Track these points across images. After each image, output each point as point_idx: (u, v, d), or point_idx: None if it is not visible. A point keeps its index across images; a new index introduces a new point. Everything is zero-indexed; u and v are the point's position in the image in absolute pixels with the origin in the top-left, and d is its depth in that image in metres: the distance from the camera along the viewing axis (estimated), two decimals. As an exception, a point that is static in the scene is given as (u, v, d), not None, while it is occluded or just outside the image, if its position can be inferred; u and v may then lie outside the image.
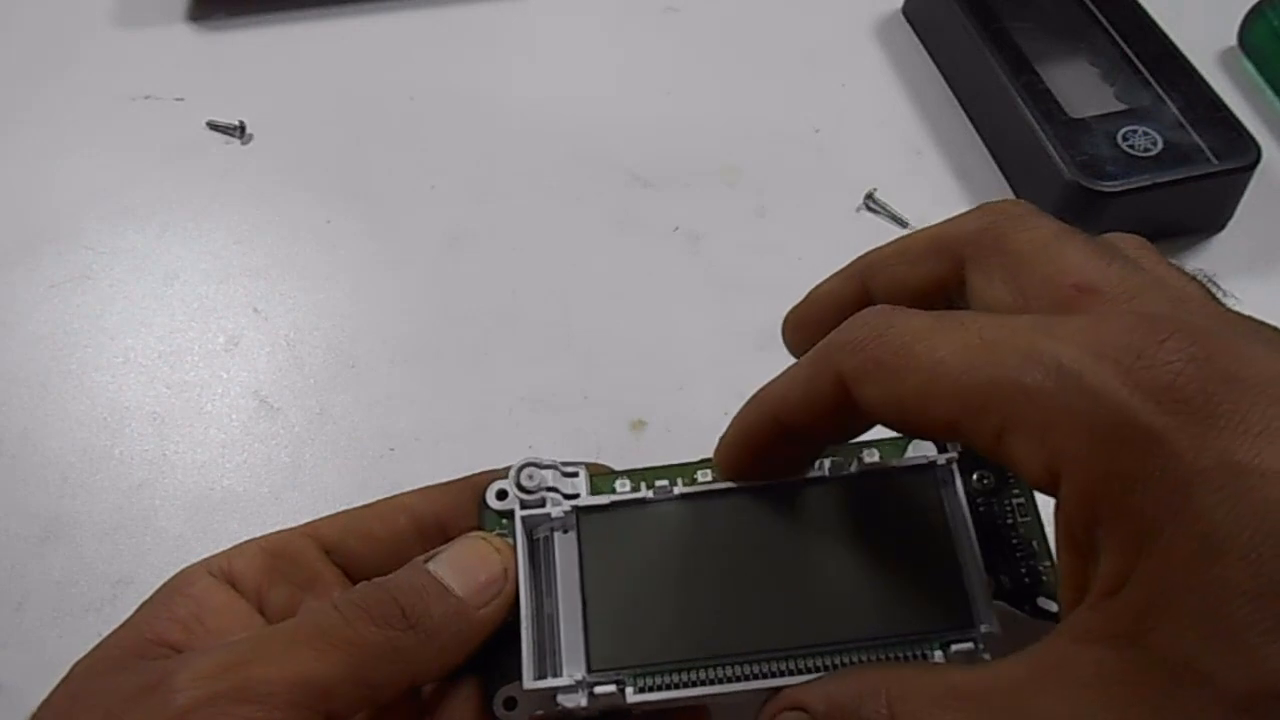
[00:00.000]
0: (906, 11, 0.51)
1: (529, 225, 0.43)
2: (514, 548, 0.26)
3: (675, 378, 0.38)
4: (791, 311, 0.29)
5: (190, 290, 0.42)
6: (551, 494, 0.27)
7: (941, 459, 0.26)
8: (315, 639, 0.23)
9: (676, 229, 0.43)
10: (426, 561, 0.25)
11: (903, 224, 0.42)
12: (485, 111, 0.48)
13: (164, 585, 0.27)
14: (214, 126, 0.47)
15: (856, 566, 0.25)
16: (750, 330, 0.39)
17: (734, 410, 0.38)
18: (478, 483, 0.29)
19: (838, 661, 0.24)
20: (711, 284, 0.41)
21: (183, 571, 0.27)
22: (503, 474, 0.28)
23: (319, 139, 0.47)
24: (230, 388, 0.39)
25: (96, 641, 0.25)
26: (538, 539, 0.27)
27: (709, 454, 0.27)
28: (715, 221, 0.43)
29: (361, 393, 0.38)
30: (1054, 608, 0.25)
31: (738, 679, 0.24)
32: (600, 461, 0.33)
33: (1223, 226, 0.42)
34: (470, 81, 0.49)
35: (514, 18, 0.52)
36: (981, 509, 0.27)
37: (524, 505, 0.27)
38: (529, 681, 0.24)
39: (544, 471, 0.27)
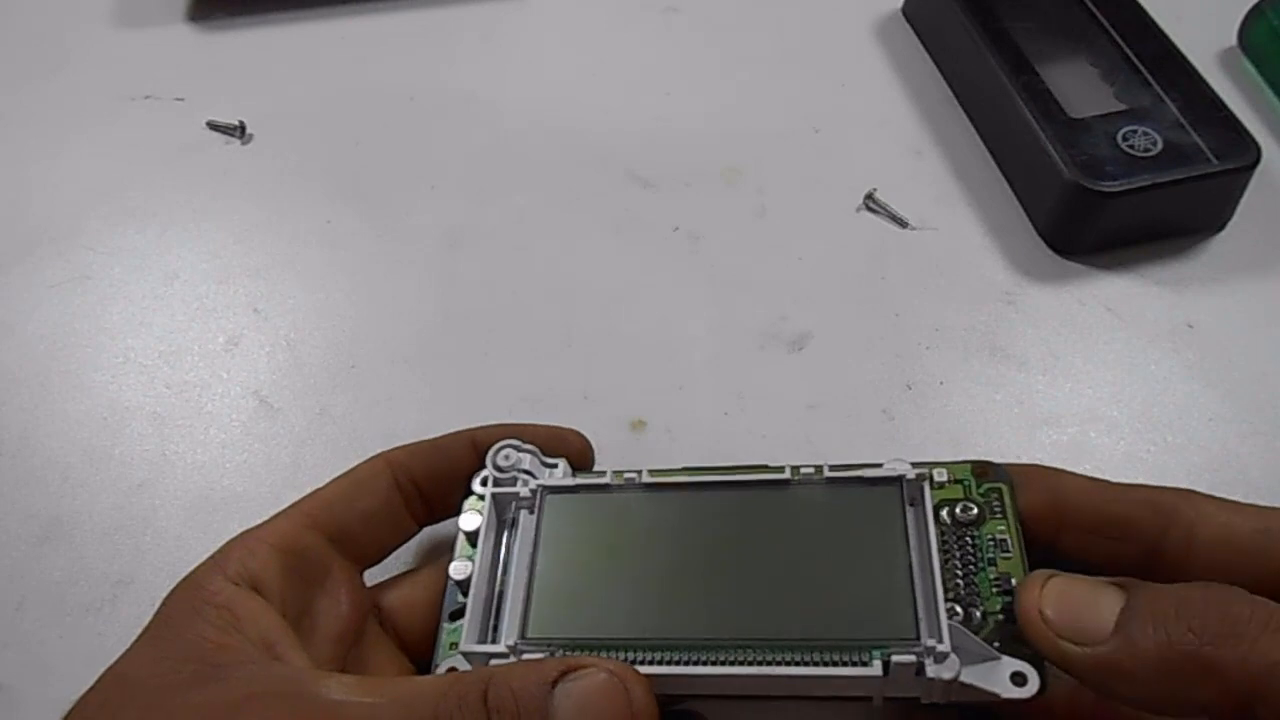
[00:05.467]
0: (906, 11, 0.51)
1: (529, 225, 0.43)
2: (483, 523, 0.27)
3: (675, 378, 0.38)
4: None
5: (190, 290, 0.42)
6: (525, 476, 0.28)
7: (911, 474, 0.26)
8: None
9: (676, 229, 0.43)
10: (554, 684, 0.22)
11: (902, 224, 0.42)
12: (485, 111, 0.48)
13: (184, 595, 0.25)
14: (214, 126, 0.47)
15: (807, 569, 0.25)
16: (750, 330, 0.39)
17: (734, 410, 0.38)
18: (444, 444, 0.30)
19: (774, 658, 0.23)
20: (711, 284, 0.41)
21: (201, 580, 0.26)
22: (472, 434, 0.30)
23: (319, 139, 0.47)
24: (230, 388, 0.39)
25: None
26: (506, 519, 0.28)
27: (709, 454, 0.27)
28: (715, 221, 0.43)
29: (361, 393, 0.38)
30: (1030, 674, 0.24)
31: (669, 663, 0.24)
32: (598, 458, 0.33)
33: (1223, 226, 0.42)
34: (470, 81, 0.49)
35: (514, 18, 0.52)
36: (965, 540, 0.26)
37: (496, 483, 0.28)
38: (466, 644, 0.25)
39: (521, 454, 0.28)
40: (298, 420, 0.38)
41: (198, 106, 0.48)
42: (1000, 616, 0.25)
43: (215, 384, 0.39)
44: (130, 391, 0.39)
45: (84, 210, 0.44)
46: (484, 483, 0.28)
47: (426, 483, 0.30)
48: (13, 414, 0.38)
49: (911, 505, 0.26)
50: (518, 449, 0.28)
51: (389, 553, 0.31)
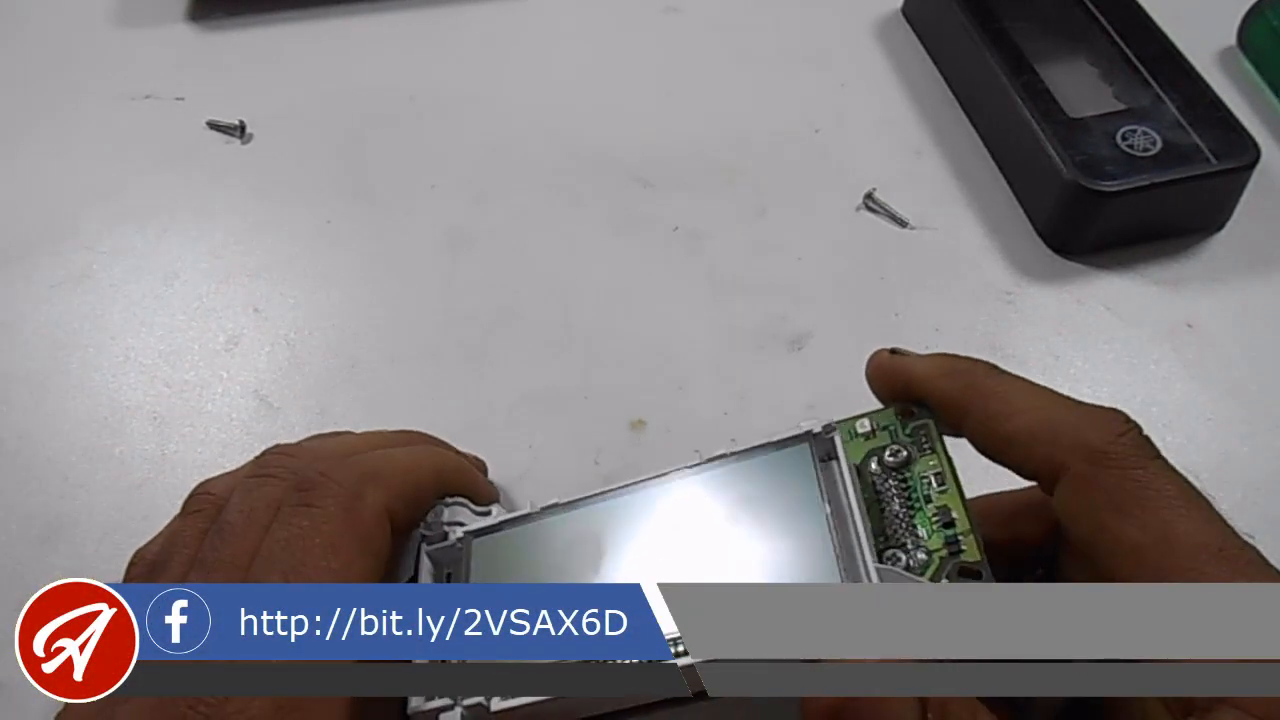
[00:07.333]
0: (906, 11, 0.51)
1: (529, 225, 0.43)
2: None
3: (675, 378, 0.38)
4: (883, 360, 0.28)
5: (190, 290, 0.42)
6: (454, 528, 0.28)
7: (817, 427, 0.26)
8: None
9: (676, 229, 0.43)
10: None
11: (902, 224, 0.42)
12: (485, 111, 0.48)
13: None
14: (214, 126, 0.47)
15: (729, 544, 0.25)
16: (750, 330, 0.39)
17: (734, 410, 0.38)
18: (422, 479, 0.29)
19: None
20: (711, 284, 0.41)
21: None
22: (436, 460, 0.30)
23: (319, 139, 0.47)
24: (230, 388, 0.39)
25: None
26: (443, 575, 0.28)
27: (709, 453, 0.27)
28: (715, 221, 0.43)
29: (361, 393, 0.38)
30: (979, 571, 0.24)
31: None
32: (596, 463, 0.33)
33: (1222, 226, 0.42)
34: (470, 81, 0.49)
35: (514, 18, 0.52)
36: (899, 484, 0.26)
37: (429, 541, 0.28)
38: (412, 706, 0.25)
39: (450, 509, 0.29)
40: (298, 420, 0.38)
41: (198, 106, 0.48)
42: (944, 552, 0.25)
43: (215, 384, 0.39)
44: (130, 391, 0.39)
45: (84, 210, 0.44)
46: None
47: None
48: (13, 414, 0.38)
49: (826, 460, 0.26)
50: (446, 504, 0.29)
51: None
